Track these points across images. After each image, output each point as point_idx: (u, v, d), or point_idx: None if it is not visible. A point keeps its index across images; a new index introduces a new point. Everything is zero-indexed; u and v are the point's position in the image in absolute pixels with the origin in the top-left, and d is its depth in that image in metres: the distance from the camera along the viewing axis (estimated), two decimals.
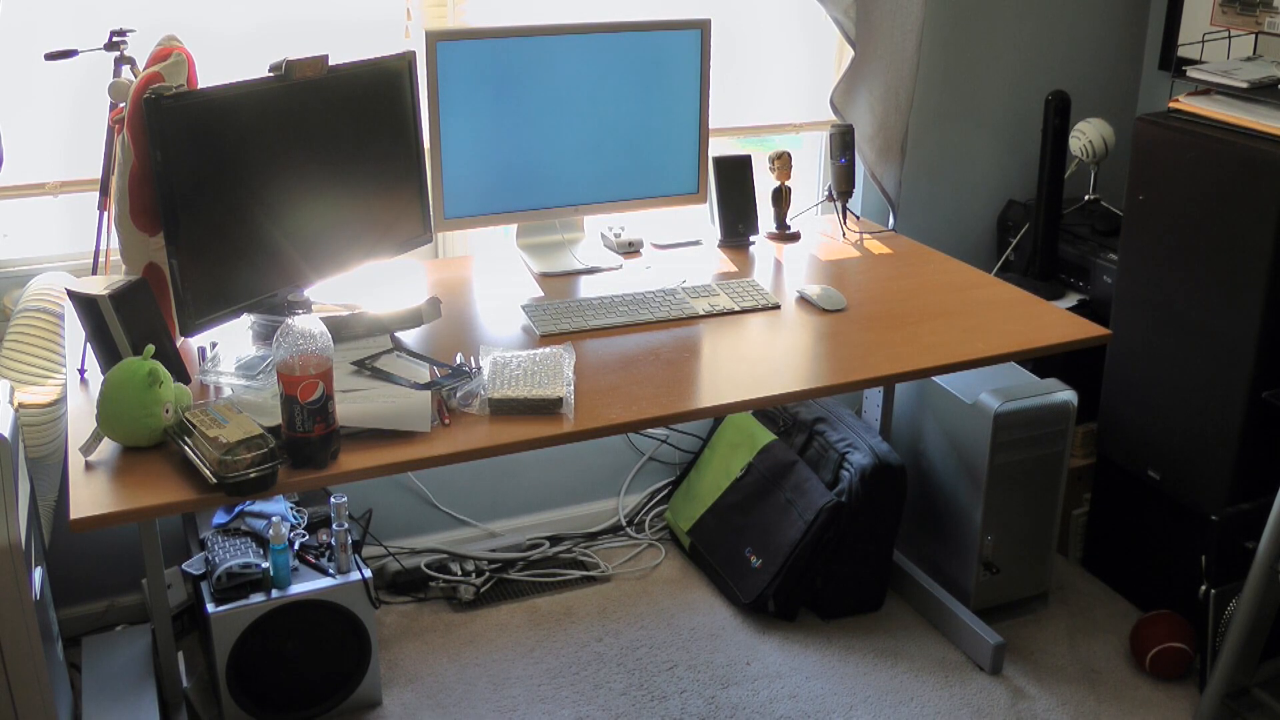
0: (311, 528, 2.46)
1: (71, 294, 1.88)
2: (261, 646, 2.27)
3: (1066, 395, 2.67)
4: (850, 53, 2.84)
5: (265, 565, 2.28)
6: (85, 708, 2.21)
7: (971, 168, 3.24)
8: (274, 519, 2.32)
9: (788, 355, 2.15)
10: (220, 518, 2.43)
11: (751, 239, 2.74)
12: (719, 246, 2.72)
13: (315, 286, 2.17)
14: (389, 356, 2.00)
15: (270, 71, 2.02)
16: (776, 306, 2.35)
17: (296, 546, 2.39)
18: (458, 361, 2.00)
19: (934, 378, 2.71)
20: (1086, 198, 3.19)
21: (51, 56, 2.15)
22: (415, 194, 2.35)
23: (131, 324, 1.83)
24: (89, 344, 1.90)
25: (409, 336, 2.13)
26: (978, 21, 3.10)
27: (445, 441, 1.79)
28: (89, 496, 1.62)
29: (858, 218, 2.92)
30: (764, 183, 2.78)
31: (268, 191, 2.03)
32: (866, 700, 2.51)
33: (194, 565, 2.34)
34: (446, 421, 1.84)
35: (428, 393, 1.86)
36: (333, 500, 2.36)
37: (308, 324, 1.68)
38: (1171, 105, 2.58)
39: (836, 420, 2.83)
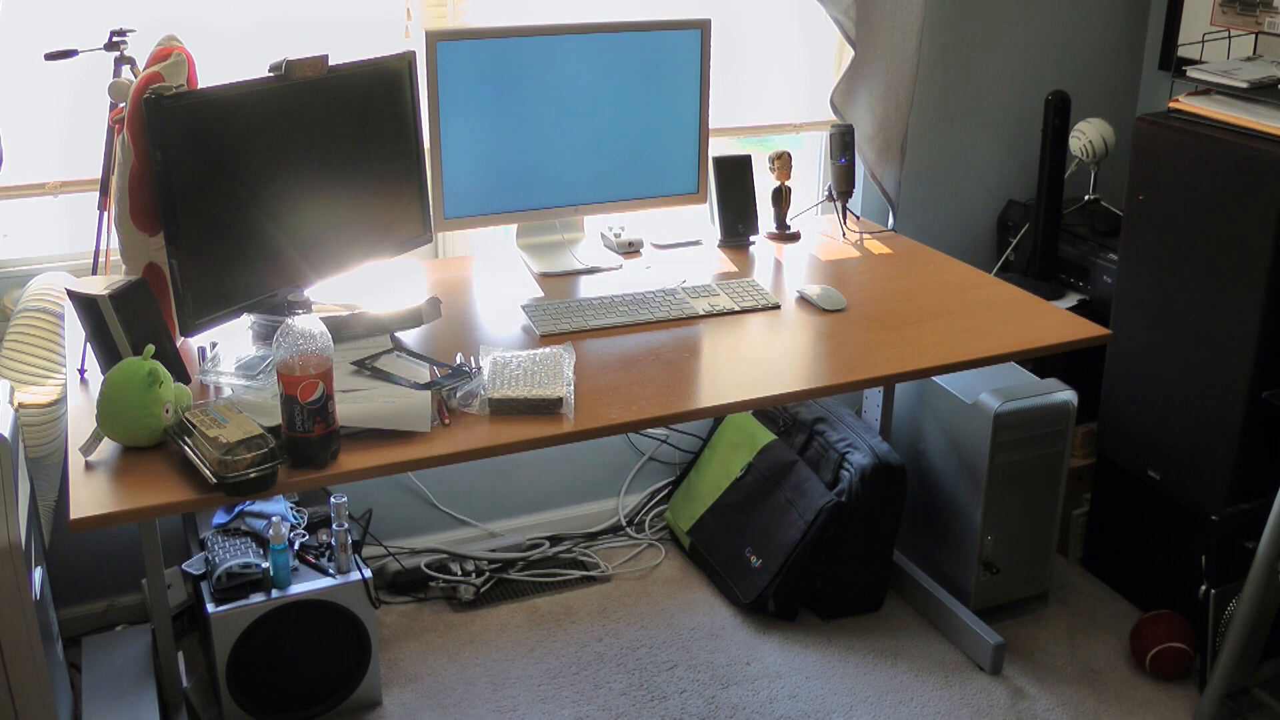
0: (311, 528, 2.46)
1: (71, 294, 1.88)
2: (261, 646, 2.27)
3: (1066, 395, 2.67)
4: (850, 53, 2.84)
5: (265, 565, 2.27)
6: (85, 708, 2.21)
7: (971, 168, 3.24)
8: (274, 519, 2.32)
9: (788, 355, 2.15)
10: (220, 518, 2.43)
11: (751, 239, 2.74)
12: (719, 246, 2.72)
13: (315, 286, 2.17)
14: (389, 356, 2.00)
15: (270, 71, 2.02)
16: (776, 306, 2.35)
17: (296, 546, 2.39)
18: (458, 361, 2.00)
19: (934, 378, 2.71)
20: (1086, 198, 3.19)
21: (51, 56, 2.15)
22: (415, 194, 2.35)
23: (131, 324, 1.83)
24: (89, 344, 1.90)
25: (409, 336, 2.13)
26: (978, 21, 3.10)
27: (445, 441, 1.79)
28: (89, 496, 1.62)
29: (858, 218, 2.92)
30: (764, 183, 2.78)
31: (268, 191, 2.03)
32: (866, 700, 2.51)
33: (194, 565, 2.34)
34: (446, 421, 1.84)
35: (428, 393, 1.86)
36: (333, 500, 2.36)
37: (308, 324, 1.68)
38: (1171, 105, 2.58)
39: (836, 420, 2.83)
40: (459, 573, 2.85)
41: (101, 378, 1.75)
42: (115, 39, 2.13)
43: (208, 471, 1.62)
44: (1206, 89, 2.57)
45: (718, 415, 2.70)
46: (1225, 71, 2.55)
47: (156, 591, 2.14)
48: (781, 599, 2.72)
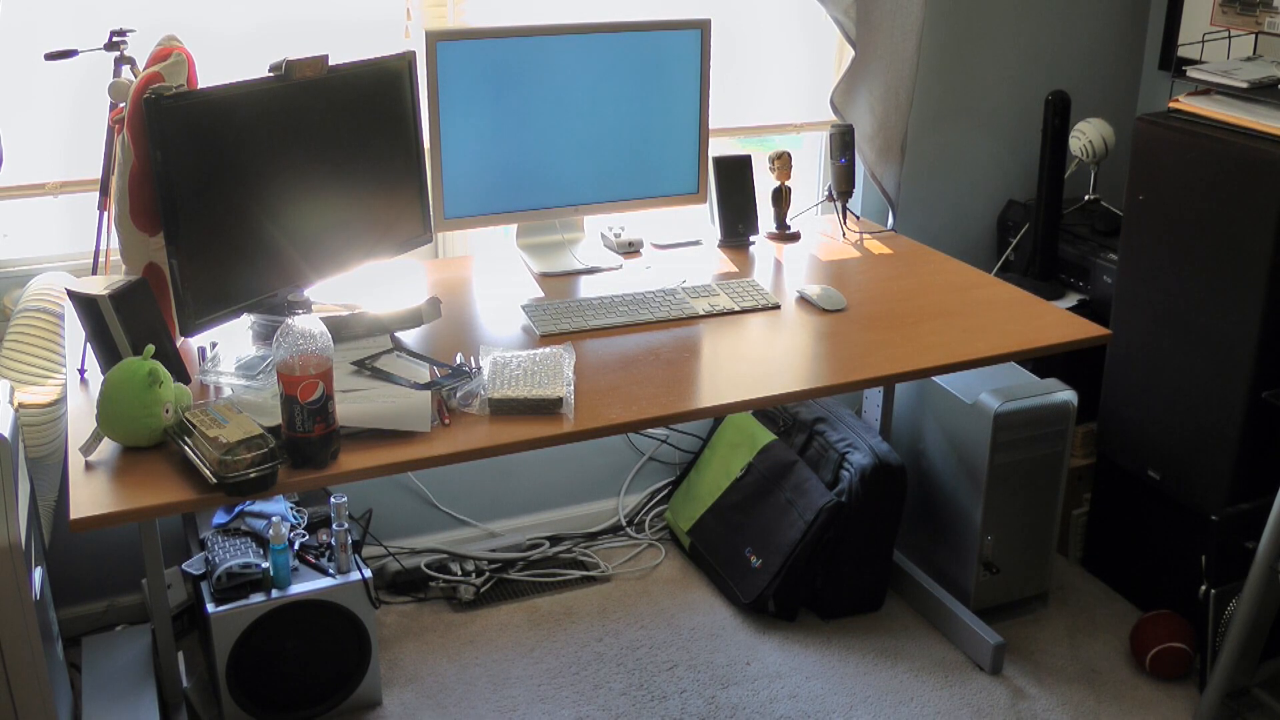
0: (311, 528, 2.46)
1: (71, 294, 1.88)
2: (261, 646, 2.27)
3: (1066, 395, 2.67)
4: (850, 53, 2.84)
5: (265, 565, 2.27)
6: (85, 708, 2.21)
7: (971, 168, 3.24)
8: (274, 519, 2.32)
9: (788, 355, 2.15)
10: (220, 518, 2.42)
11: (751, 239, 2.74)
12: (719, 246, 2.72)
13: (315, 286, 2.17)
14: (389, 356, 2.00)
15: (270, 71, 2.02)
16: (776, 306, 2.35)
17: (296, 546, 2.39)
18: (458, 361, 2.00)
19: (934, 378, 2.71)
20: (1086, 198, 3.19)
21: (51, 56, 2.15)
22: (415, 194, 2.35)
23: (131, 324, 1.83)
24: (89, 344, 1.90)
25: (409, 336, 2.13)
26: (978, 21, 3.10)
27: (445, 441, 1.79)
28: (89, 496, 1.62)
29: (858, 218, 2.92)
30: (764, 183, 2.78)
31: (268, 191, 2.03)
32: (866, 700, 2.51)
33: (194, 565, 2.34)
34: (446, 421, 1.84)
35: (428, 393, 1.86)
36: (333, 500, 2.36)
37: (308, 324, 1.68)
38: (1171, 105, 2.58)
39: (836, 420, 2.83)
40: (459, 573, 2.85)
41: (101, 378, 1.75)
42: (115, 39, 2.13)
43: (208, 471, 1.62)
44: (1206, 89, 2.57)
45: (718, 415, 2.70)
46: (1225, 71, 2.55)
47: (156, 591, 2.14)
48: (781, 599, 2.72)
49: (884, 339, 2.20)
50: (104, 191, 2.17)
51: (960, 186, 3.24)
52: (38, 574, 1.97)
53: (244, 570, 2.25)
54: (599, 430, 1.86)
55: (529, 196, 2.50)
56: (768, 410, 2.98)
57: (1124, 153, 2.86)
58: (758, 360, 2.12)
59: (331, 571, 2.34)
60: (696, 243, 2.72)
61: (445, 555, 2.89)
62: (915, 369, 2.10)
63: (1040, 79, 3.18)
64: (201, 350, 2.02)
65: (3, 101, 2.29)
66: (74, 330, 2.05)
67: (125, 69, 2.13)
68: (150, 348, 1.74)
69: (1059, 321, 2.30)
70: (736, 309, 2.32)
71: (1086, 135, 3.05)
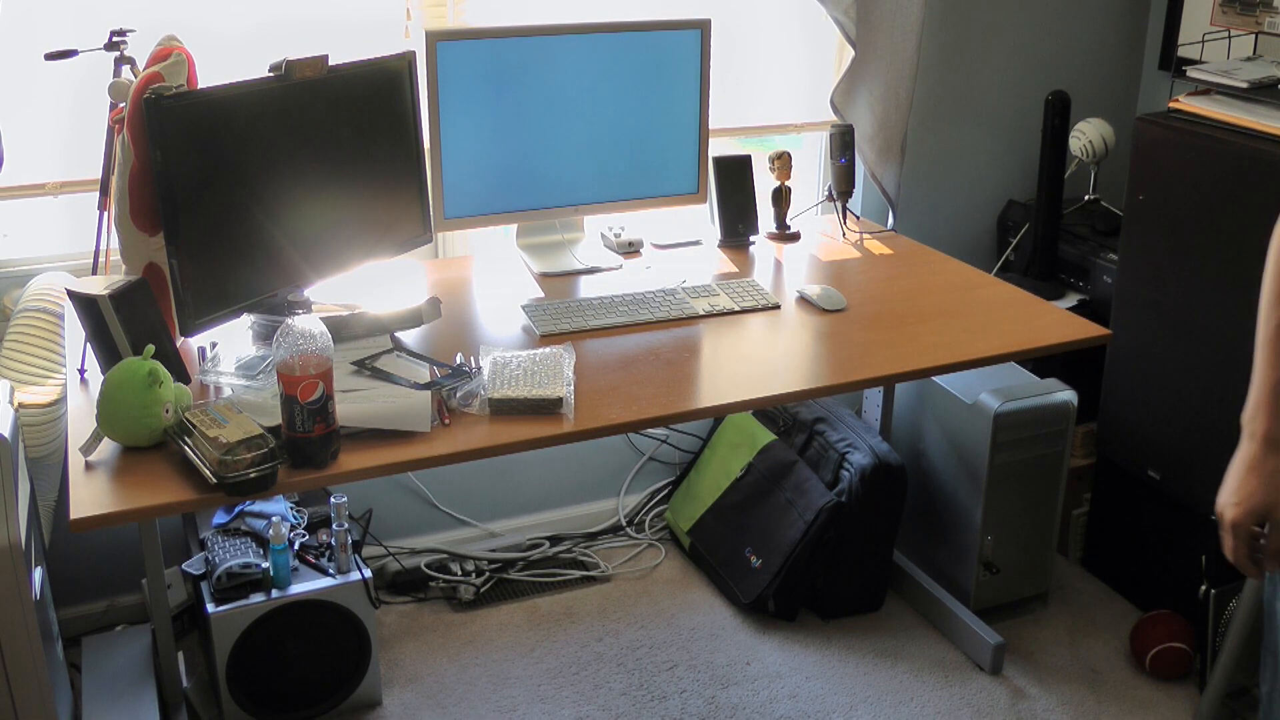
0: (311, 528, 2.46)
1: (71, 294, 1.88)
2: (261, 646, 2.27)
3: (1066, 395, 2.67)
4: (850, 53, 2.84)
5: (265, 565, 2.27)
6: (85, 708, 2.21)
7: (971, 168, 3.24)
8: (274, 519, 2.32)
9: (788, 355, 2.15)
10: (220, 518, 2.42)
11: (751, 239, 2.74)
12: (719, 246, 2.72)
13: (315, 286, 2.17)
14: (389, 356, 2.00)
15: (270, 71, 2.02)
16: (776, 306, 2.35)
17: (296, 546, 2.39)
18: (458, 361, 2.00)
19: (934, 378, 2.71)
20: (1086, 198, 3.19)
21: (51, 56, 2.15)
22: (415, 194, 2.35)
23: (131, 324, 1.83)
24: (89, 344, 1.90)
25: (409, 336, 2.13)
26: (978, 21, 3.10)
27: (445, 441, 1.79)
28: (89, 496, 1.62)
29: (858, 218, 2.92)
30: (764, 183, 2.78)
31: (268, 191, 2.03)
32: (866, 700, 2.51)
33: (194, 565, 2.34)
34: (446, 421, 1.84)
35: (428, 393, 1.86)
36: (333, 500, 2.36)
37: (308, 324, 1.68)
38: (1171, 105, 2.58)
39: (836, 420, 2.83)
40: (459, 573, 2.85)
41: (101, 378, 1.75)
42: (115, 39, 2.13)
43: (208, 471, 1.62)
44: (1206, 89, 2.57)
45: (718, 415, 2.70)
46: (1225, 71, 2.55)
47: (156, 591, 2.14)
48: (781, 599, 2.72)
49: (884, 339, 2.20)
50: (104, 191, 2.17)
51: (960, 186, 3.24)
52: (38, 574, 1.97)
53: (244, 570, 2.25)
54: (599, 430, 1.86)
55: (529, 196, 2.50)
56: (768, 410, 2.98)
57: (1124, 153, 2.86)
58: (758, 360, 2.12)
59: (331, 571, 2.34)
60: (696, 243, 2.72)
61: (445, 555, 2.89)
62: (915, 369, 2.10)
63: (1040, 79, 3.18)
64: (201, 350, 2.02)
65: (3, 101, 2.29)
66: (74, 330, 2.05)
67: (125, 69, 2.13)
68: (150, 348, 1.74)
69: (1059, 321, 2.30)
70: (736, 309, 2.32)
71: (1086, 135, 3.05)
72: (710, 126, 2.62)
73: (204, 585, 2.28)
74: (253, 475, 1.62)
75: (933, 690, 2.55)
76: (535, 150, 2.47)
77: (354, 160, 2.20)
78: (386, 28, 2.56)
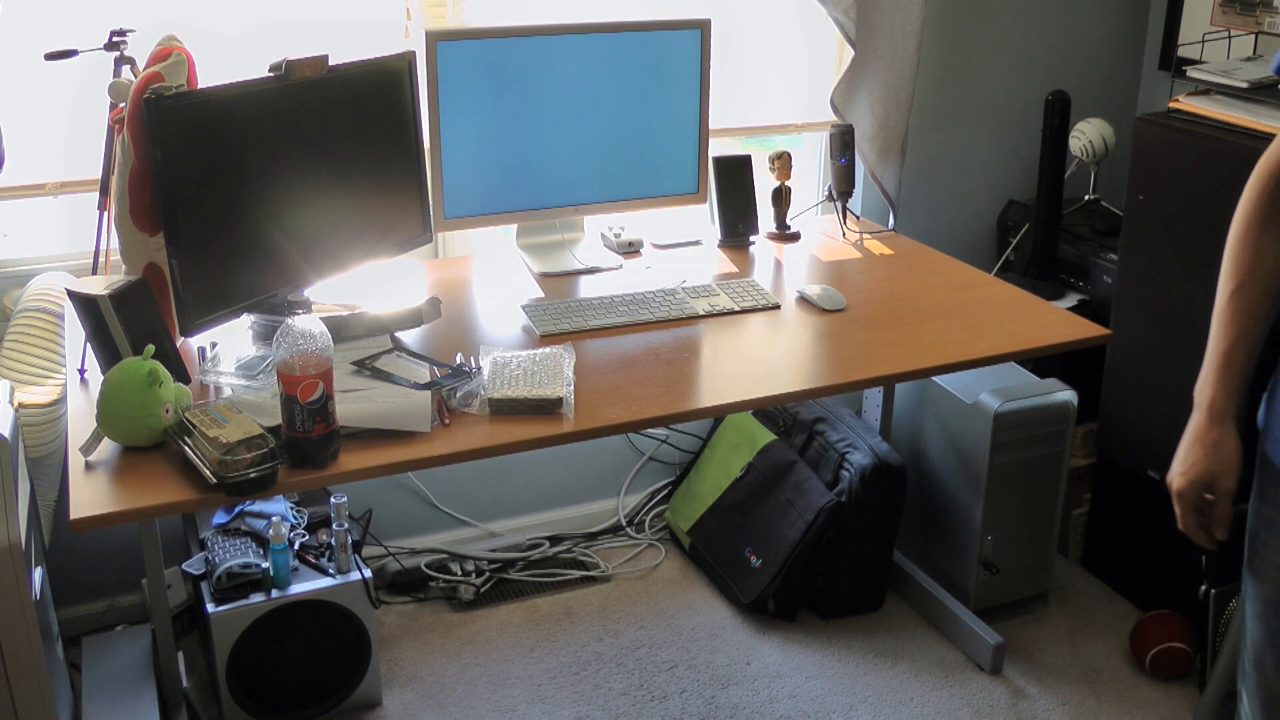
0: (311, 528, 2.46)
1: (71, 294, 1.88)
2: (261, 646, 2.27)
3: (1066, 395, 2.67)
4: (850, 53, 2.84)
5: (265, 565, 2.27)
6: (85, 708, 2.21)
7: (971, 168, 3.24)
8: (274, 519, 2.32)
9: (788, 355, 2.15)
10: (220, 518, 2.42)
11: (751, 239, 2.74)
12: (719, 246, 2.72)
13: (315, 286, 2.17)
14: (389, 356, 2.00)
15: (270, 71, 2.02)
16: (776, 306, 2.35)
17: (296, 546, 2.39)
18: (458, 361, 2.00)
19: (934, 378, 2.71)
20: (1086, 198, 3.19)
21: (51, 56, 2.15)
22: (415, 194, 2.35)
23: (131, 324, 1.83)
24: (89, 344, 1.90)
25: (409, 336, 2.13)
26: (978, 21, 3.10)
27: (445, 441, 1.79)
28: (89, 496, 1.62)
29: (858, 218, 2.92)
30: (764, 183, 2.78)
31: (268, 191, 2.03)
32: (866, 700, 2.51)
33: (194, 565, 2.34)
34: (446, 421, 1.84)
35: (428, 393, 1.86)
36: (333, 500, 2.36)
37: (308, 324, 1.68)
38: (1171, 105, 2.58)
39: (836, 420, 2.83)
40: (459, 573, 2.85)
41: (101, 378, 1.75)
42: (115, 39, 2.13)
43: (208, 471, 1.62)
44: (1206, 89, 2.57)
45: (718, 415, 2.70)
46: (1225, 71, 2.55)
47: (156, 591, 2.14)
48: (781, 599, 2.72)
49: (884, 339, 2.20)
50: (104, 191, 2.17)
51: (960, 186, 3.24)
52: (38, 574, 1.97)
53: (244, 570, 2.25)
54: (599, 430, 1.86)
55: (529, 196, 2.50)
56: (768, 410, 2.98)
57: (1124, 153, 2.86)
58: (758, 360, 2.12)
59: (331, 571, 2.34)
60: (696, 243, 2.72)
61: (445, 555, 2.89)
62: (915, 369, 2.10)
63: (1040, 79, 3.18)
64: (201, 350, 2.02)
65: (3, 101, 2.29)
66: (74, 330, 2.05)
67: (125, 69, 2.13)
68: (150, 348, 1.74)
69: (1059, 321, 2.30)
70: (736, 309, 2.32)
71: (1086, 135, 3.05)
72: (710, 126, 2.62)
73: (204, 585, 2.28)
74: (253, 475, 1.62)
75: (933, 690, 2.55)
76: (535, 150, 2.47)
77: (354, 160, 2.20)
78: (386, 28, 2.56)
